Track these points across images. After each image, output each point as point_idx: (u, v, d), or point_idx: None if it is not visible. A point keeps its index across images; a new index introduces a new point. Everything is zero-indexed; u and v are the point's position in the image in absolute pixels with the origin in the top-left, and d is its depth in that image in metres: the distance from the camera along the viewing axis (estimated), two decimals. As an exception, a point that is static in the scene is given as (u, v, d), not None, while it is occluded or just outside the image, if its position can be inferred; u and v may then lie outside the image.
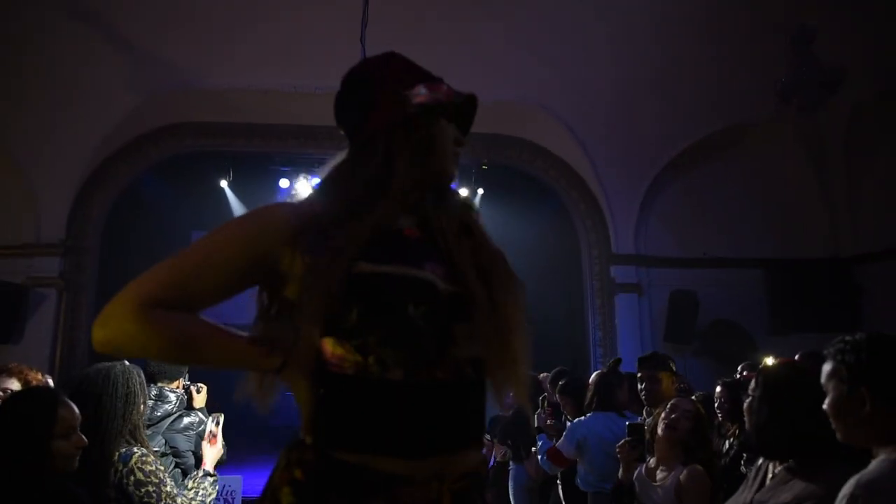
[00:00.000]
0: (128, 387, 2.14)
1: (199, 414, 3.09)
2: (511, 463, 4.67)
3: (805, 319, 7.07)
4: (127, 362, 2.24)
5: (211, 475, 2.44)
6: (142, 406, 2.22)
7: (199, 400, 3.16)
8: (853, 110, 6.95)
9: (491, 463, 5.23)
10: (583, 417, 3.55)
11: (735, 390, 2.99)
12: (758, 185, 7.77)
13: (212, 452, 2.52)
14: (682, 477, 2.37)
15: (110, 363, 2.20)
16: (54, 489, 1.68)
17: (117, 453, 2.08)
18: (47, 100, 6.44)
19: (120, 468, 2.08)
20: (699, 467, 2.40)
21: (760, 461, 1.78)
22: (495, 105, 7.03)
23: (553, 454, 3.61)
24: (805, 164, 7.62)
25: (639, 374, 3.37)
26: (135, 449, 2.13)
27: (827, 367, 1.42)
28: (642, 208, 7.59)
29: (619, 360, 3.95)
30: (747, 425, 1.79)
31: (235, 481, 4.30)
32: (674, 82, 6.87)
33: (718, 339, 7.18)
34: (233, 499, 4.25)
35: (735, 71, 6.75)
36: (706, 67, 6.66)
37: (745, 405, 1.80)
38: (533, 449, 4.04)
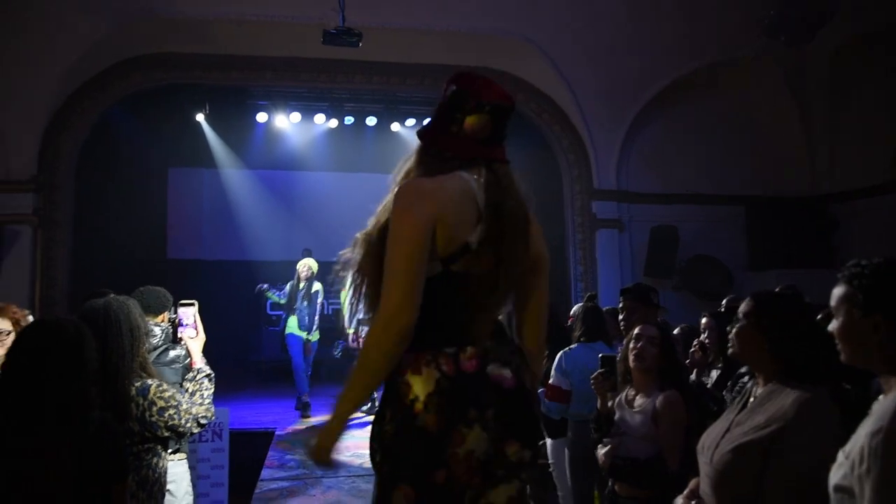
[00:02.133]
0: (130, 322, 2.10)
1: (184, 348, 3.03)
2: None
3: (782, 255, 7.19)
4: (119, 297, 2.17)
5: (205, 372, 2.40)
6: (145, 338, 2.19)
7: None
8: (837, 50, 6.89)
9: None
10: (568, 349, 3.50)
11: (722, 321, 2.97)
12: (739, 122, 7.76)
13: (197, 343, 2.48)
14: (657, 402, 2.43)
15: (102, 300, 2.13)
16: (101, 422, 1.65)
17: (133, 388, 2.07)
18: (8, 30, 6.14)
19: (141, 402, 2.08)
20: (675, 392, 2.45)
21: (747, 383, 1.79)
22: (478, 37, 6.85)
23: (551, 390, 3.43)
24: (787, 103, 7.59)
25: (620, 305, 3.31)
26: (149, 381, 2.13)
27: (839, 291, 1.38)
28: (624, 144, 7.56)
29: (594, 295, 3.89)
30: (731, 350, 1.79)
31: (223, 413, 4.38)
32: (658, 18, 6.73)
33: (698, 274, 7.29)
34: (221, 430, 4.34)
35: (719, 7, 6.62)
36: (691, 3, 6.53)
37: (734, 330, 1.79)
38: None
